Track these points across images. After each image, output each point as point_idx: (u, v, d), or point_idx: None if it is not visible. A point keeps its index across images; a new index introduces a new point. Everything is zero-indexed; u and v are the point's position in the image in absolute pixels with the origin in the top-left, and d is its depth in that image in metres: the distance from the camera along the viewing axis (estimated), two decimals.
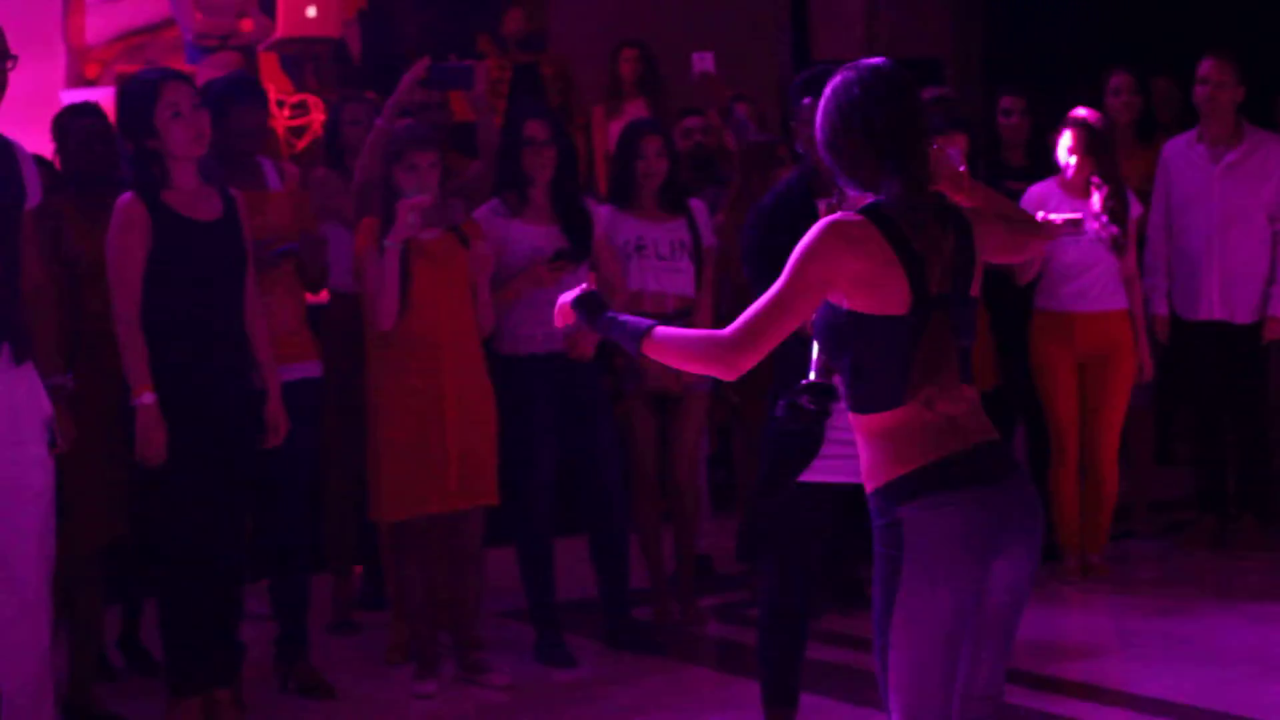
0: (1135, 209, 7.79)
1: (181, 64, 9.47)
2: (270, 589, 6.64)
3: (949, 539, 3.67)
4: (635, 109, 9.48)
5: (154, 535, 5.96)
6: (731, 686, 6.60)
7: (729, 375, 3.75)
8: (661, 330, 3.79)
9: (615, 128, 9.49)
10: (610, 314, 3.90)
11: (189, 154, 5.81)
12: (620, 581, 7.05)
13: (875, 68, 3.79)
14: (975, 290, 3.82)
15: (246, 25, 10.11)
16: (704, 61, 8.62)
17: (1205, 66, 8.11)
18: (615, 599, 7.06)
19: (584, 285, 3.96)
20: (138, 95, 5.84)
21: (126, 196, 5.80)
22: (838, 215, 3.75)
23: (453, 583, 6.61)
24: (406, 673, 6.64)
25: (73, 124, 6.58)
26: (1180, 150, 8.23)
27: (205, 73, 8.87)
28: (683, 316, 7.15)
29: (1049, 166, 7.78)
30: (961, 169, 7.15)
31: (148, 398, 5.70)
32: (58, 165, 6.62)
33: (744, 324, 3.72)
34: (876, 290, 3.68)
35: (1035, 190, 7.76)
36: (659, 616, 7.32)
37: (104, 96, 8.90)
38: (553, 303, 6.66)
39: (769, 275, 3.85)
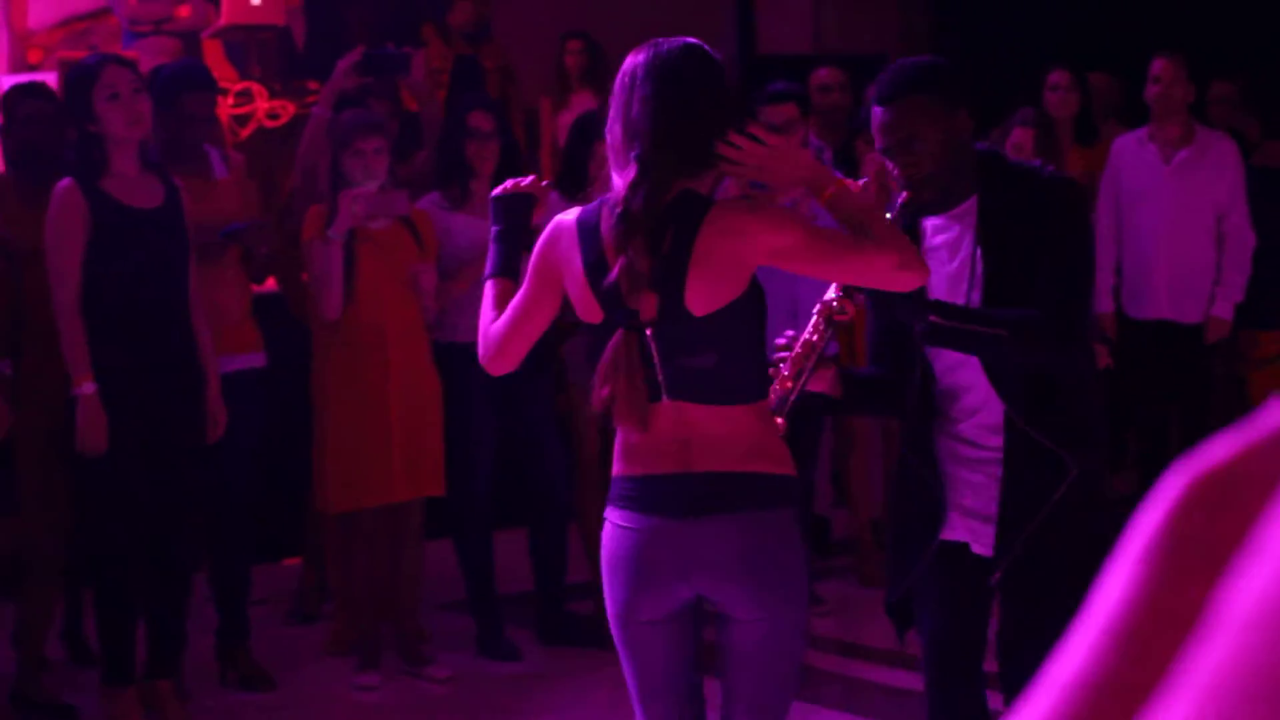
0: None
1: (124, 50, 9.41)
2: (211, 579, 6.61)
3: (612, 560, 3.64)
4: (582, 101, 9.47)
5: (92, 524, 5.93)
6: None
7: (488, 366, 3.74)
8: (500, 284, 3.77)
9: (563, 119, 9.47)
10: (511, 228, 3.83)
11: (126, 137, 5.78)
12: (556, 573, 7.04)
13: (660, 47, 3.54)
14: (708, 306, 3.52)
15: (184, 11, 10.05)
16: None
17: (1157, 65, 8.14)
18: (551, 591, 7.05)
19: (531, 179, 3.87)
20: (78, 78, 5.82)
21: (65, 183, 5.76)
22: (564, 214, 3.67)
23: (395, 574, 6.60)
24: (348, 664, 6.62)
25: (18, 105, 6.53)
26: (1131, 148, 8.24)
27: (144, 59, 8.81)
28: None
29: None
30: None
31: (88, 387, 5.66)
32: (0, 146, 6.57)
33: (500, 325, 3.71)
34: (574, 295, 3.61)
35: None
36: (600, 610, 7.30)
37: (47, 82, 8.82)
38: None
39: None
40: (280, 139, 9.22)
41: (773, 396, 3.76)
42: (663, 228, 3.49)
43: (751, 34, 11.81)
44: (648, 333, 3.52)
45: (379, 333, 6.39)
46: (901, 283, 3.63)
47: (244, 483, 6.50)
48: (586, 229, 3.57)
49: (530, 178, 3.84)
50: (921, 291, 3.90)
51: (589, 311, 3.58)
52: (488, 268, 3.82)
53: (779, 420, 3.73)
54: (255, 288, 6.66)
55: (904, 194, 3.97)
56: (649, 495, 3.58)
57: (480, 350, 3.74)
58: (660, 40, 3.58)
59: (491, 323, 3.72)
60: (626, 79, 3.55)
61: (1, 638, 6.54)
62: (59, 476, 6.12)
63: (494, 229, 3.86)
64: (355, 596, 6.58)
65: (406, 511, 6.56)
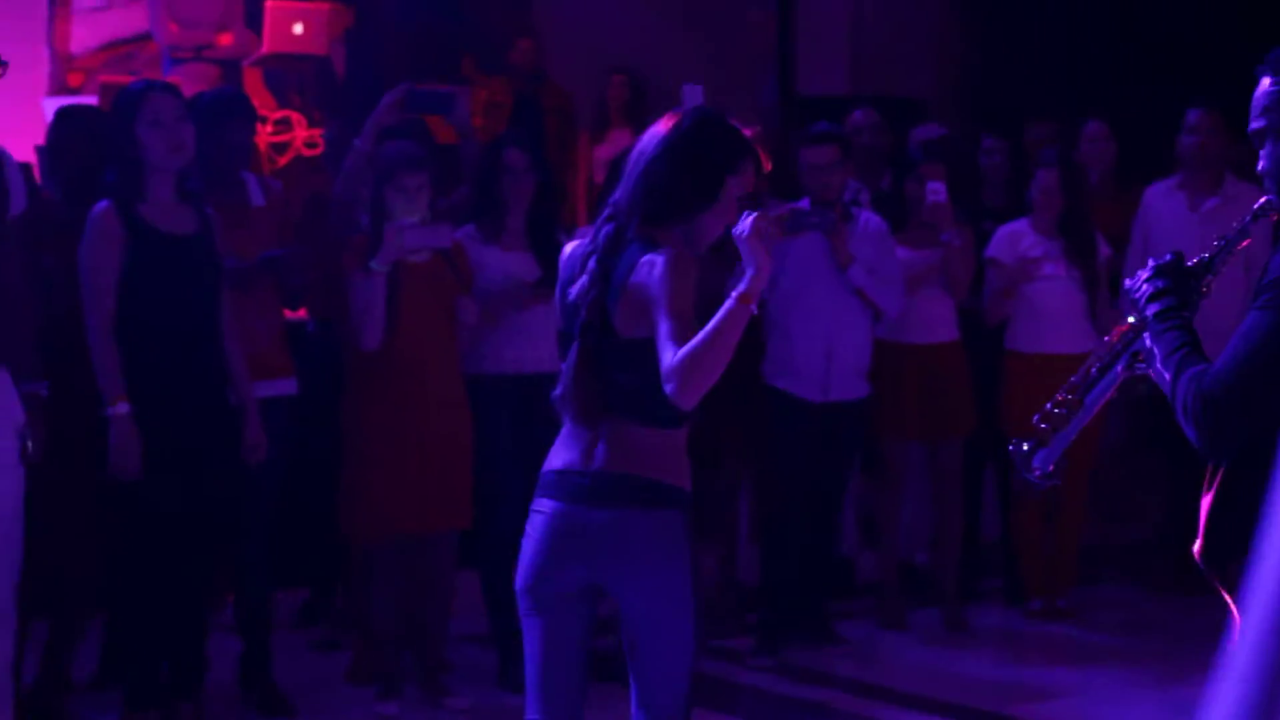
0: (1104, 251, 7.84)
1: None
2: (234, 604, 6.63)
3: (527, 541, 4.16)
4: (620, 137, 9.50)
5: (121, 546, 5.94)
6: (697, 718, 6.58)
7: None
8: None
9: (600, 153, 9.51)
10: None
11: (167, 165, 5.82)
12: None
13: (673, 115, 4.10)
14: (630, 331, 3.94)
15: (225, 39, 10.11)
16: (694, 94, 8.65)
17: (1193, 116, 8.15)
18: None
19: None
20: (122, 103, 5.86)
21: (101, 206, 5.80)
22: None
23: (420, 605, 6.61)
24: (368, 693, 6.62)
25: (59, 126, 6.58)
26: (1160, 196, 8.26)
27: (184, 85, 8.87)
28: None
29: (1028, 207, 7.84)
30: (940, 200, 7.17)
31: (122, 408, 5.69)
32: (38, 168, 6.61)
33: None
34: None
35: (1006, 229, 7.83)
36: (621, 644, 7.28)
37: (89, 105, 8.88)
38: (526, 327, 6.77)
39: None
40: (319, 168, 9.28)
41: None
42: (614, 259, 3.98)
43: (791, 75, 11.84)
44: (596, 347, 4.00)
45: (418, 364, 6.42)
46: (671, 395, 3.83)
47: (270, 509, 6.51)
48: (575, 253, 4.13)
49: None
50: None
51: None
52: None
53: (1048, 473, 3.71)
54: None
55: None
56: (561, 485, 4.10)
57: None
58: (687, 110, 4.13)
59: None
60: None
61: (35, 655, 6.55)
62: (87, 496, 6.13)
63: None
64: (378, 625, 6.59)
65: (438, 542, 6.57)
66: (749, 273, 3.85)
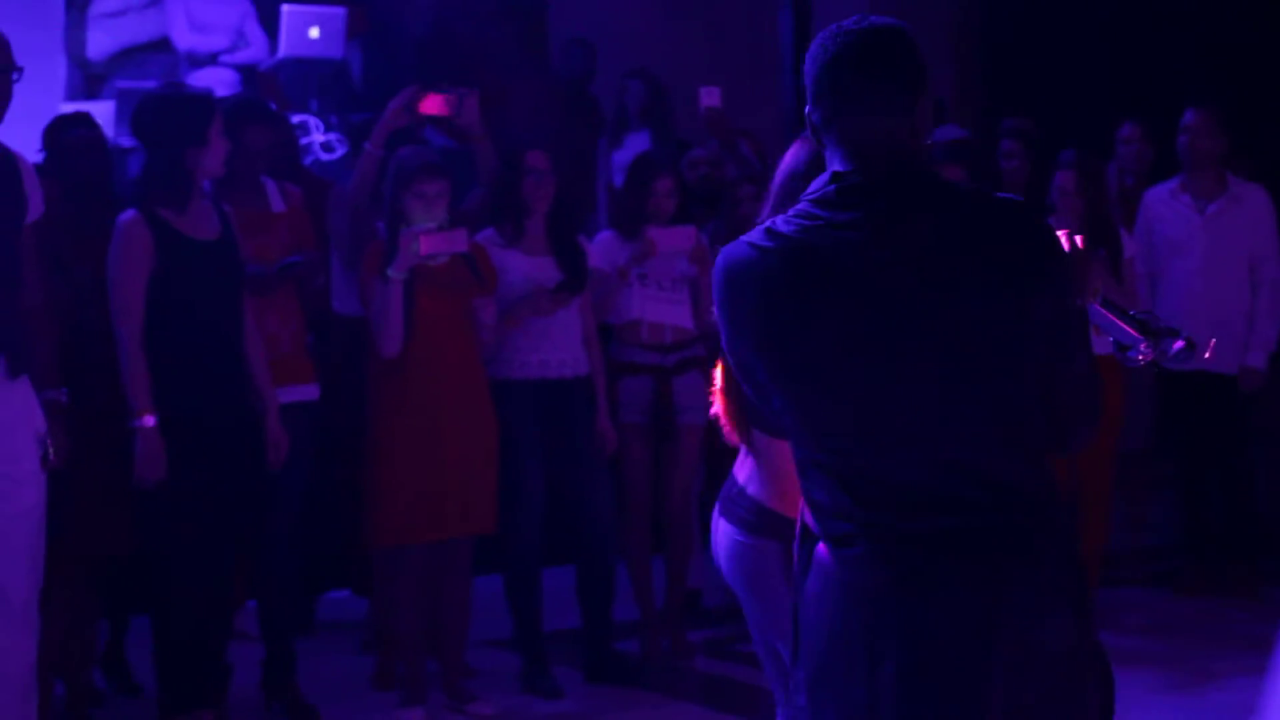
0: (1129, 249, 7.79)
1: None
2: (258, 610, 6.61)
3: None
4: (639, 140, 9.48)
5: (152, 553, 5.93)
6: None
7: None
8: None
9: (618, 158, 9.48)
10: None
11: (217, 174, 5.87)
12: (603, 612, 7.01)
13: None
14: None
15: (242, 44, 10.11)
16: (711, 96, 8.60)
17: (1188, 117, 8.16)
18: (597, 630, 7.02)
19: None
20: (193, 108, 5.83)
21: (129, 215, 5.78)
22: None
23: (442, 610, 6.58)
24: (392, 699, 6.60)
25: (67, 134, 6.56)
26: (1162, 199, 8.26)
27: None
28: (680, 349, 7.16)
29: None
30: None
31: (149, 420, 5.67)
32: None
33: None
34: None
35: None
36: (647, 649, 7.28)
37: (104, 110, 8.88)
38: (548, 331, 6.76)
39: None
40: (336, 172, 9.26)
41: None
42: None
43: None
44: None
45: (437, 369, 6.38)
46: None
47: (293, 514, 6.49)
48: None
49: None
50: None
51: None
52: None
53: None
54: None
55: None
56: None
57: None
58: None
59: None
60: None
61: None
62: (103, 503, 6.09)
63: None
64: (401, 631, 6.56)
65: (456, 547, 6.54)
66: None
